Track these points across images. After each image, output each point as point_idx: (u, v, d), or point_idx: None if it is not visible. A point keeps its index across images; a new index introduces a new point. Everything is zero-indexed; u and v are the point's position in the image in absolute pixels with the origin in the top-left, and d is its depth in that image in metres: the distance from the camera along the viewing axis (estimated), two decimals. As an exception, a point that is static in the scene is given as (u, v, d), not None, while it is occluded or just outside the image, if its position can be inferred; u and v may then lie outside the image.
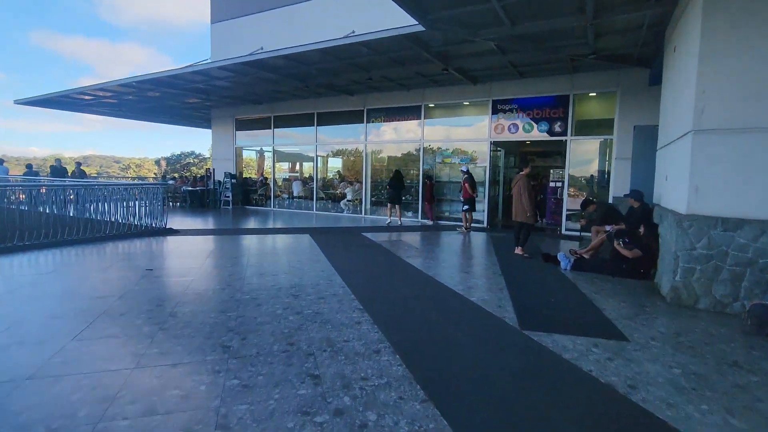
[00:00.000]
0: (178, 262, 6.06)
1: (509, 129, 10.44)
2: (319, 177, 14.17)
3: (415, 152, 12.22)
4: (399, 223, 10.94)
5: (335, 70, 9.86)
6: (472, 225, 10.07)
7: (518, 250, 6.83)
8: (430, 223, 11.35)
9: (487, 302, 4.26)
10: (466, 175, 9.76)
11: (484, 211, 10.92)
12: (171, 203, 15.66)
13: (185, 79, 10.96)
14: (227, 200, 14.90)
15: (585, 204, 7.22)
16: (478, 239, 8.76)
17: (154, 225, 8.68)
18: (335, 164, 15.18)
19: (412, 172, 12.27)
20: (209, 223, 10.72)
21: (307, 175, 15.39)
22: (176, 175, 28.31)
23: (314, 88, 11.66)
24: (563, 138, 9.82)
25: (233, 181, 15.01)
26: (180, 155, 53.80)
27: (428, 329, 3.50)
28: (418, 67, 9.20)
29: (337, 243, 7.85)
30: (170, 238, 8.01)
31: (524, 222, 6.65)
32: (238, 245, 7.53)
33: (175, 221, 10.40)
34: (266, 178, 15.49)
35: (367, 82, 10.71)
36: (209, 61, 10.37)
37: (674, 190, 4.80)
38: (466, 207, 9.81)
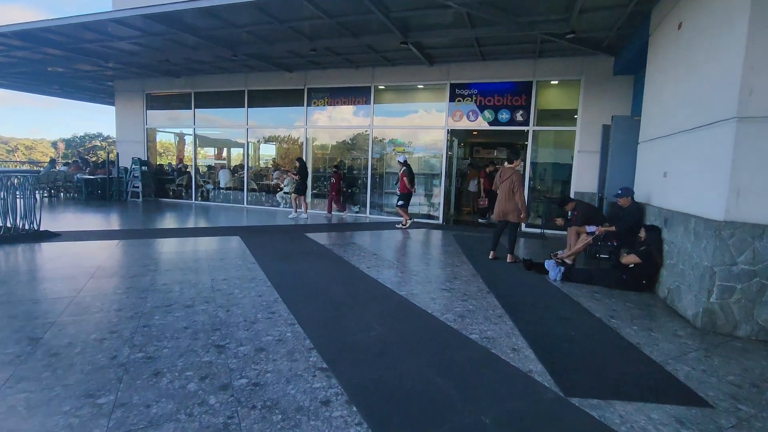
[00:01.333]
0: (43, 287, 4.18)
1: (468, 116, 9.52)
2: (250, 165, 12.27)
3: (350, 141, 11.08)
4: (305, 216, 9.82)
5: (271, 36, 8.14)
6: (415, 221, 9.13)
7: (490, 255, 5.97)
8: (329, 215, 10.39)
9: (496, 342, 3.14)
10: (404, 167, 8.67)
11: (440, 205, 10.02)
12: (63, 194, 12.82)
13: (65, 34, 8.47)
14: (136, 191, 12.42)
15: (562, 201, 6.45)
16: (439, 239, 7.73)
17: (21, 226, 6.46)
18: (270, 151, 13.31)
19: (359, 161, 10.99)
20: (107, 222, 8.49)
21: (236, 163, 13.36)
22: (75, 159, 23.99)
23: (244, 60, 9.76)
24: (525, 128, 9.11)
25: (144, 168, 12.54)
26: (84, 137, 47.19)
27: (438, 410, 2.26)
28: (371, 38, 7.82)
29: (275, 248, 6.32)
30: (44, 246, 5.92)
31: (512, 222, 5.69)
32: (141, 255, 5.70)
33: (60, 220, 8.09)
34: (186, 166, 13.20)
35: (309, 54, 9.10)
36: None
37: (694, 190, 4.04)
38: (401, 203, 8.78)
